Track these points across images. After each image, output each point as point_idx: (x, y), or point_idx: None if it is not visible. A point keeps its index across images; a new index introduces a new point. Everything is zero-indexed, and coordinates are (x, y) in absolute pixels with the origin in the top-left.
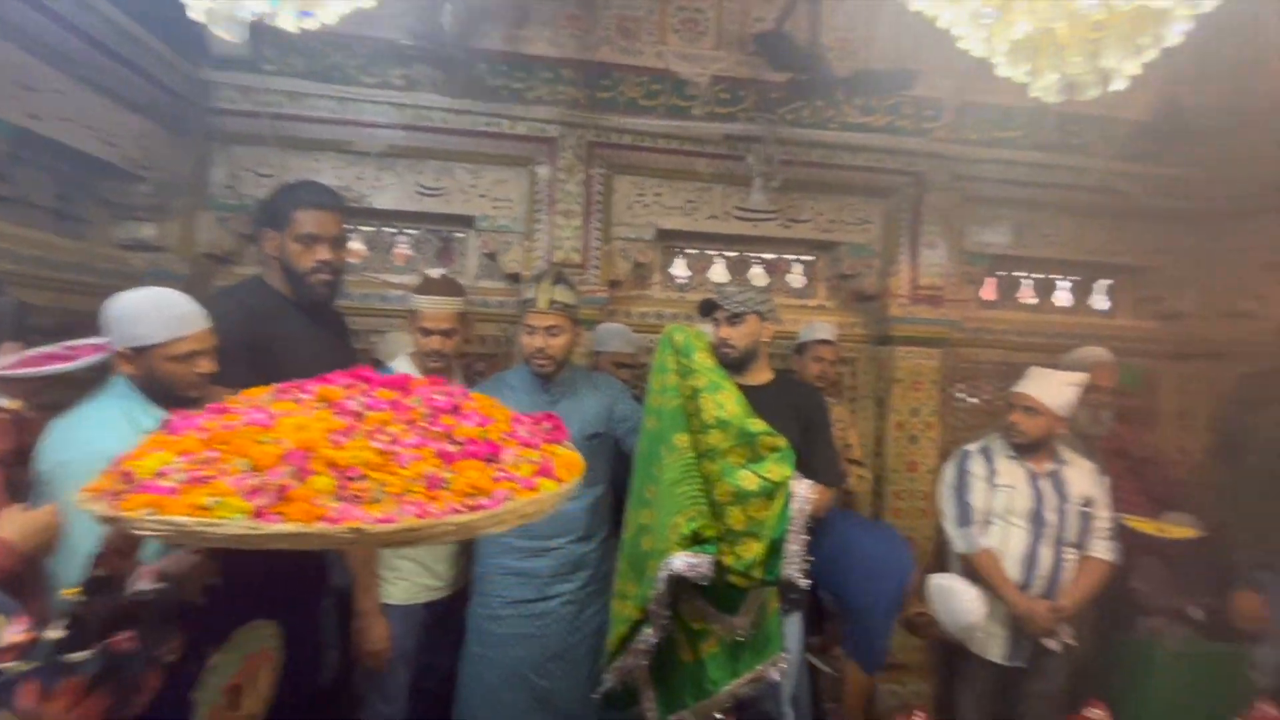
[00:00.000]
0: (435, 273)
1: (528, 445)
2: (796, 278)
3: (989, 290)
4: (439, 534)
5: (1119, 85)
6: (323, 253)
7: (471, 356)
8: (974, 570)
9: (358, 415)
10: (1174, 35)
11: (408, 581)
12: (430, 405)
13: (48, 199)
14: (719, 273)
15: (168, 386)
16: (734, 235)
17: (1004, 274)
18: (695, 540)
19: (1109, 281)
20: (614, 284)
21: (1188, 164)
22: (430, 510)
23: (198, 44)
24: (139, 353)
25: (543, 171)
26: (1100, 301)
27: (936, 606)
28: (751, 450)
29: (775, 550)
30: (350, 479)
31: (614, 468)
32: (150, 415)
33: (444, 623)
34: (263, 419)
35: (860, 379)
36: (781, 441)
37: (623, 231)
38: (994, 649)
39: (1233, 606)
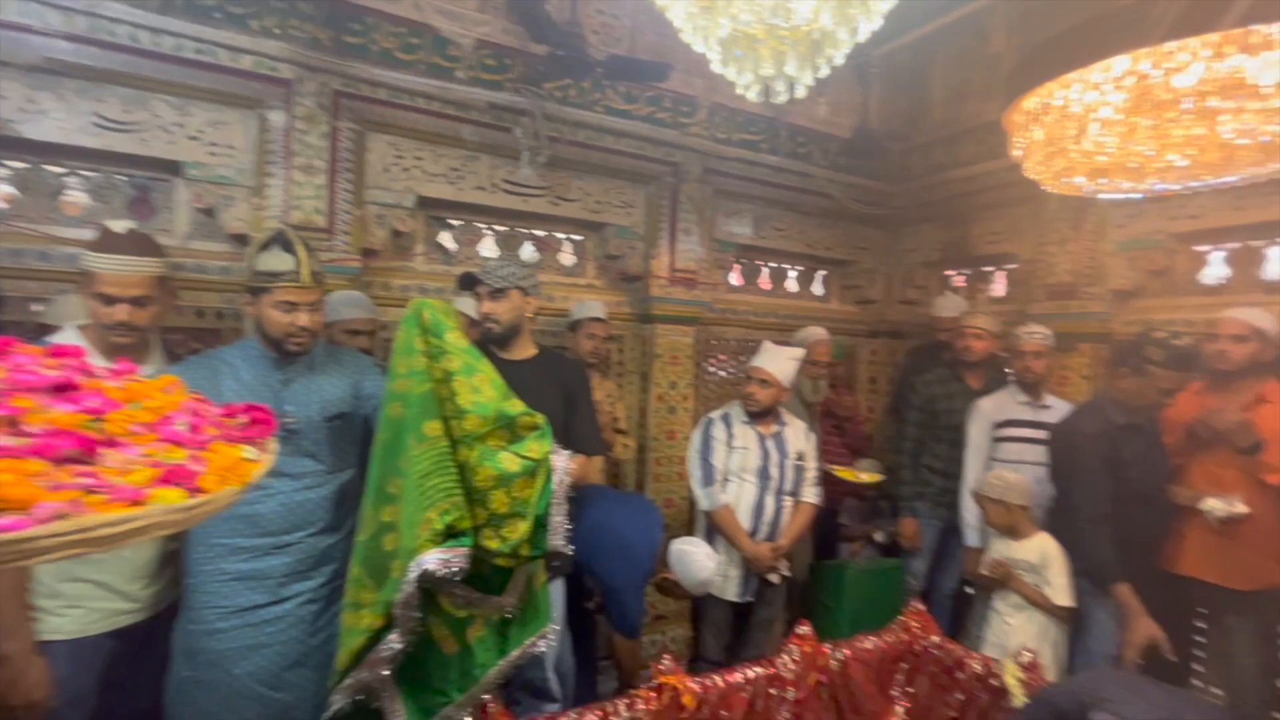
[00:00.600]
0: (120, 226)
1: (178, 442)
2: (567, 256)
3: (735, 275)
4: None
5: (801, 93)
6: None
7: (184, 332)
8: (716, 523)
9: None
10: (838, 57)
11: (82, 609)
12: (11, 379)
13: None
14: (489, 247)
15: None
16: (504, 209)
17: (747, 261)
18: (449, 535)
19: (824, 271)
20: (368, 253)
21: (875, 177)
22: None
23: None
24: None
25: (276, 118)
26: (819, 288)
27: (676, 569)
28: (511, 433)
29: (541, 525)
30: None
31: (364, 450)
32: None
33: (144, 650)
34: None
35: (627, 355)
36: (540, 418)
37: (378, 196)
38: (730, 590)
39: (898, 529)
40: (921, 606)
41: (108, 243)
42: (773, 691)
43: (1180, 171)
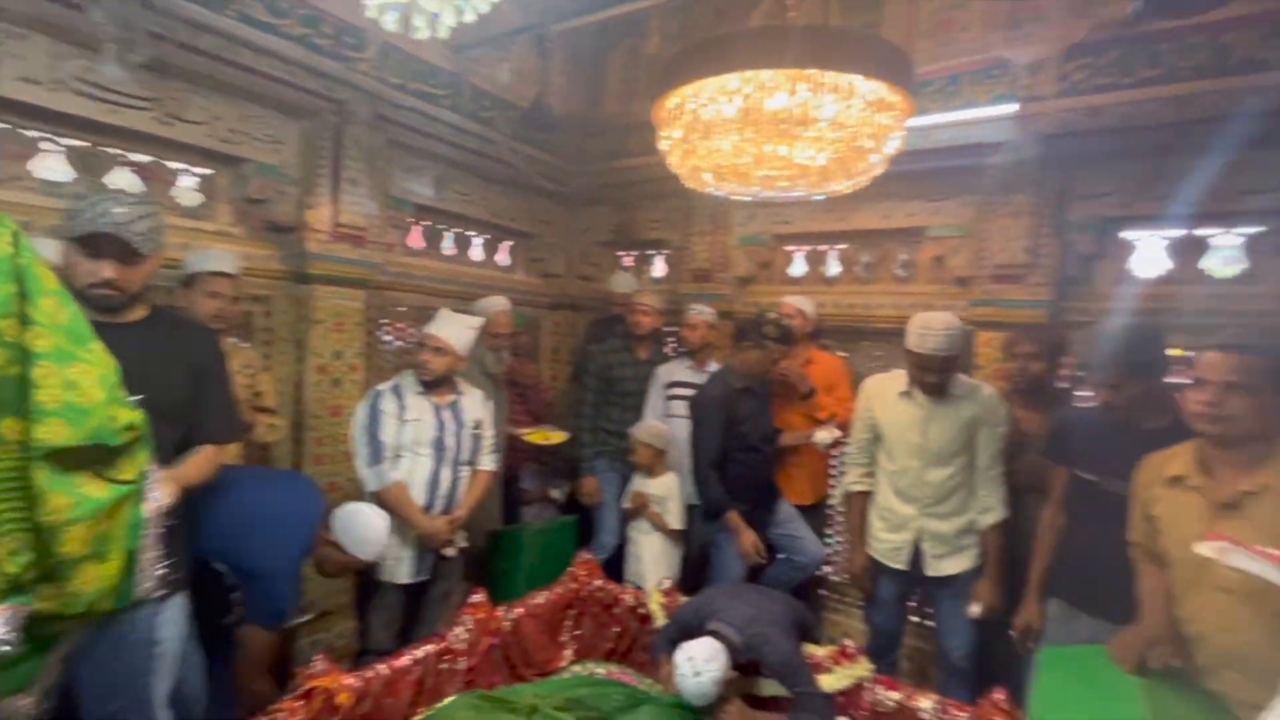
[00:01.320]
0: None
1: None
2: (190, 194)
3: (415, 238)
4: None
5: (443, 34)
6: None
7: None
8: (385, 504)
9: None
10: (484, 3)
11: None
12: None
13: None
14: (54, 166)
15: None
16: (79, 118)
17: (428, 224)
18: (16, 587)
19: (510, 242)
20: None
21: (557, 154)
22: None
23: None
24: None
25: None
26: (504, 258)
27: (343, 536)
28: (109, 452)
29: (130, 566)
30: None
31: None
32: None
33: None
34: None
35: (276, 319)
36: (137, 416)
37: None
38: (402, 572)
39: (579, 488)
40: (589, 555)
41: None
42: (443, 666)
43: (771, 182)
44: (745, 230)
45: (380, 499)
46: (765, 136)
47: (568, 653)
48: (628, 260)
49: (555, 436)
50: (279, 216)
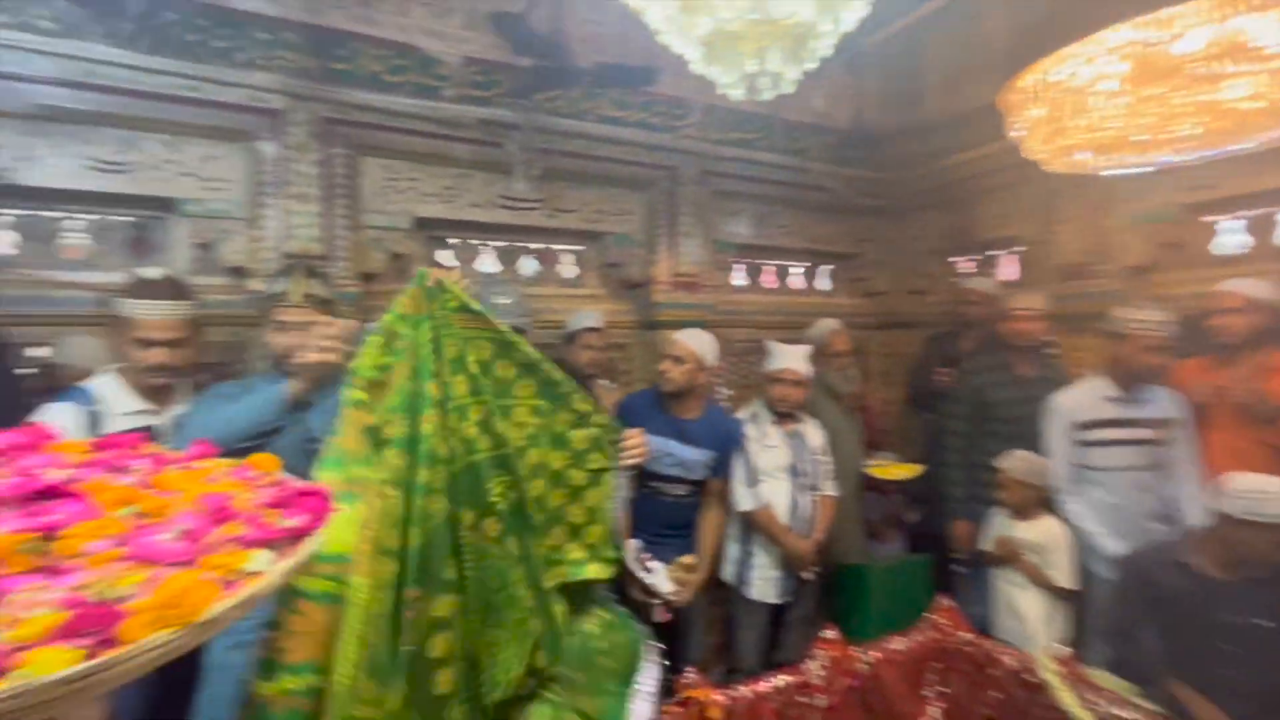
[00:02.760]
0: (153, 271)
1: (148, 559)
2: (568, 268)
3: (738, 275)
4: None
5: (788, 89)
6: None
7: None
8: (758, 523)
9: None
10: (824, 47)
11: None
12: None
13: None
14: (488, 263)
15: None
16: (499, 224)
17: (749, 261)
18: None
19: (830, 266)
20: (367, 277)
21: (875, 168)
22: None
23: None
24: None
25: (268, 149)
26: (824, 283)
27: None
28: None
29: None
30: None
31: None
32: None
33: None
34: None
35: (634, 362)
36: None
37: (375, 219)
38: (771, 591)
39: (950, 531)
40: (949, 602)
41: (142, 288)
42: (802, 699)
43: (1190, 141)
44: (1138, 206)
45: (752, 519)
46: (1173, 87)
47: (934, 710)
48: (966, 265)
49: (902, 470)
50: (631, 275)
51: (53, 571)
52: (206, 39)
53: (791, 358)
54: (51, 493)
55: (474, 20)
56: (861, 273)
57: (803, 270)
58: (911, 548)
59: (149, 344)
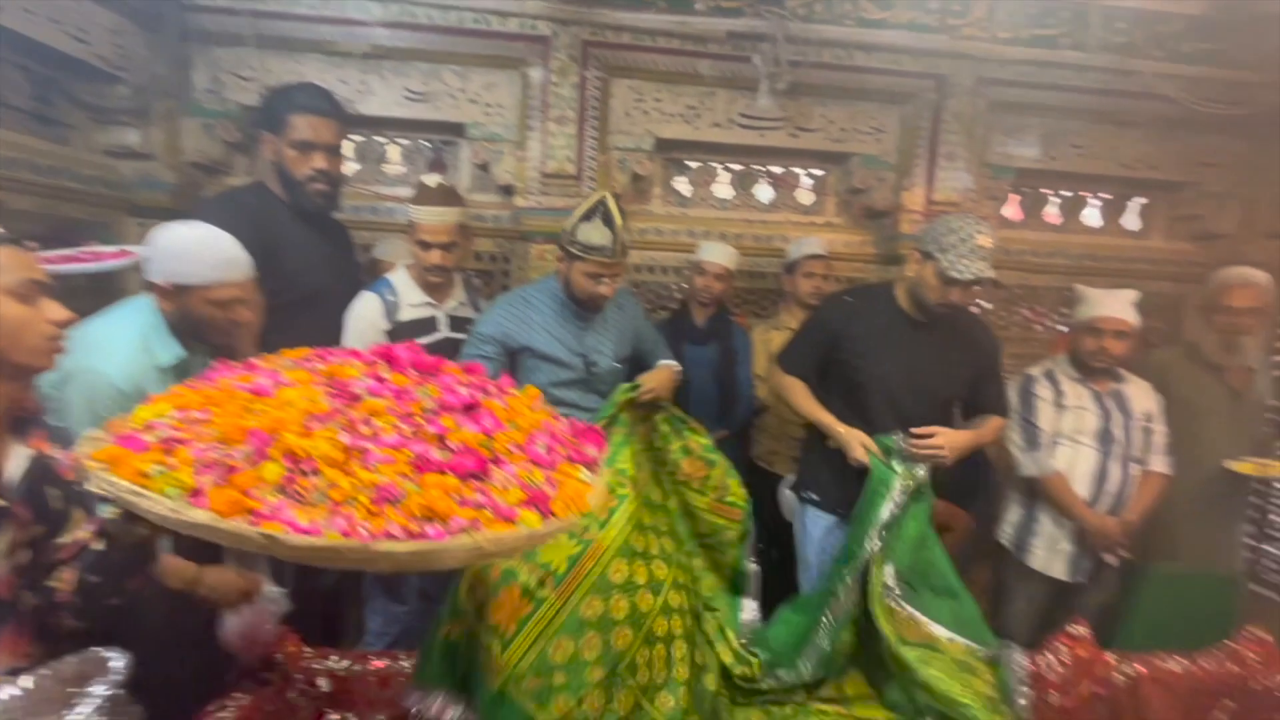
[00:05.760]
0: (432, 180)
1: (538, 463)
2: (805, 193)
3: (1014, 208)
4: (361, 559)
5: None
6: (319, 161)
7: (468, 273)
8: (1047, 491)
9: (354, 398)
10: None
11: None
12: (441, 399)
13: (23, 99)
14: (723, 188)
15: (199, 328)
16: (738, 145)
17: (1030, 190)
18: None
19: (1143, 199)
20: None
21: (1244, 65)
22: (359, 530)
23: None
24: (179, 290)
25: (535, 74)
26: (1132, 221)
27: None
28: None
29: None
30: (303, 472)
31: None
32: (169, 350)
33: None
34: (266, 386)
35: None
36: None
37: (620, 140)
38: (1057, 566)
39: None
40: (1263, 634)
41: (424, 195)
42: (1029, 690)
43: None
44: None
45: (1040, 487)
46: None
47: None
48: None
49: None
50: (877, 202)
51: (496, 462)
52: None
53: (1113, 304)
54: (473, 406)
55: None
56: (1194, 207)
57: (1102, 204)
58: None
59: (428, 245)
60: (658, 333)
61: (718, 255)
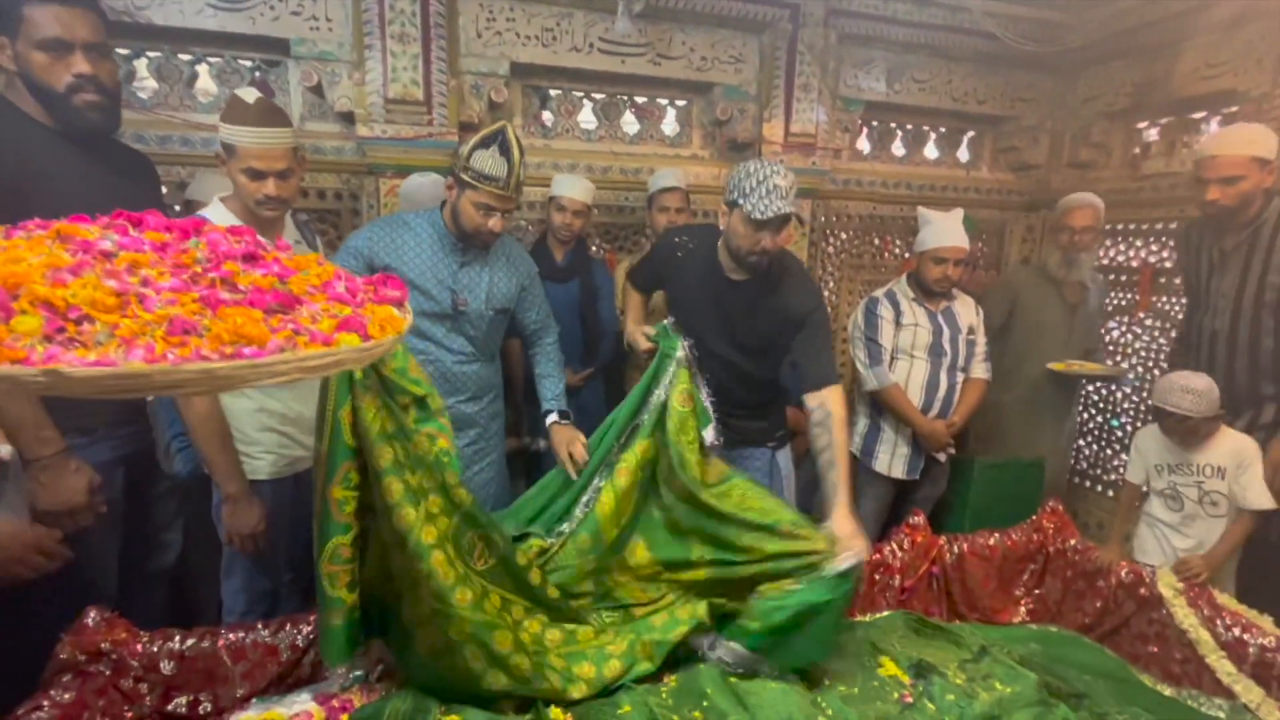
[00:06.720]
0: (249, 94)
1: (341, 301)
2: (670, 124)
3: (863, 141)
4: (177, 382)
5: None
6: (79, 64)
7: (309, 213)
8: (886, 401)
9: (105, 254)
10: None
11: (274, 455)
12: (214, 250)
13: None
14: (587, 117)
15: None
16: (600, 72)
17: (878, 122)
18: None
19: (972, 132)
20: (466, 127)
21: (1052, 5)
22: (165, 358)
23: None
24: None
25: None
26: (964, 153)
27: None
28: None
29: None
30: (70, 320)
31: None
32: None
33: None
34: None
35: None
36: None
37: (472, 64)
38: (898, 467)
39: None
40: (1059, 507)
41: (243, 113)
42: (877, 577)
43: None
44: None
45: (879, 398)
46: None
47: (1022, 608)
48: (1152, 133)
49: (1091, 366)
50: (740, 134)
51: (297, 301)
52: None
53: (953, 232)
54: (253, 255)
55: None
56: (1011, 140)
57: (937, 136)
58: None
59: (258, 175)
60: (549, 307)
61: (574, 189)
